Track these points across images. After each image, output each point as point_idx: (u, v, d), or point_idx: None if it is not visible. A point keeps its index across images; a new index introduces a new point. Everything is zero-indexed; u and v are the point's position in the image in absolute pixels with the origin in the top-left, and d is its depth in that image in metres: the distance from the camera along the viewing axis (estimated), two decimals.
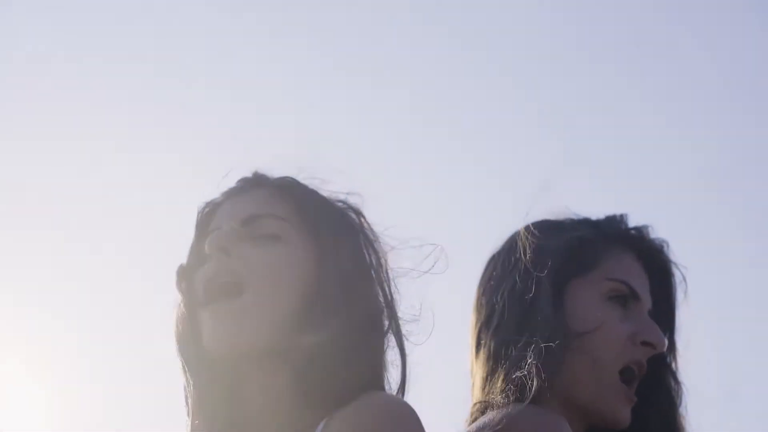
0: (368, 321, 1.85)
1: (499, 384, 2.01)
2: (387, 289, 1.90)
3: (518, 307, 2.06)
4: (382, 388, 1.83)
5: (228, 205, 1.97)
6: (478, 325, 2.14)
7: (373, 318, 1.86)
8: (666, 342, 2.11)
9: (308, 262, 1.86)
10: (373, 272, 1.90)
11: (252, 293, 1.82)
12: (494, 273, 2.15)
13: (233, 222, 1.89)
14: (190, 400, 1.89)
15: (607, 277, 2.10)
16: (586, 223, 2.20)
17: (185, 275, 1.92)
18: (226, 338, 1.80)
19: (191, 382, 1.87)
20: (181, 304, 1.92)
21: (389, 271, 1.92)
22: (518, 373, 1.95)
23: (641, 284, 2.14)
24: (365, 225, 1.95)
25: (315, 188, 1.98)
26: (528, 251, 2.08)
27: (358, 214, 1.96)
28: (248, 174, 2.03)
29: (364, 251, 1.91)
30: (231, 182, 2.05)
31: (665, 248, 2.21)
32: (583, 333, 2.01)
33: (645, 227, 2.20)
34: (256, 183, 1.99)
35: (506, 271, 2.12)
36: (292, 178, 1.98)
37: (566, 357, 1.99)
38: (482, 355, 2.09)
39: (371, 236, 1.94)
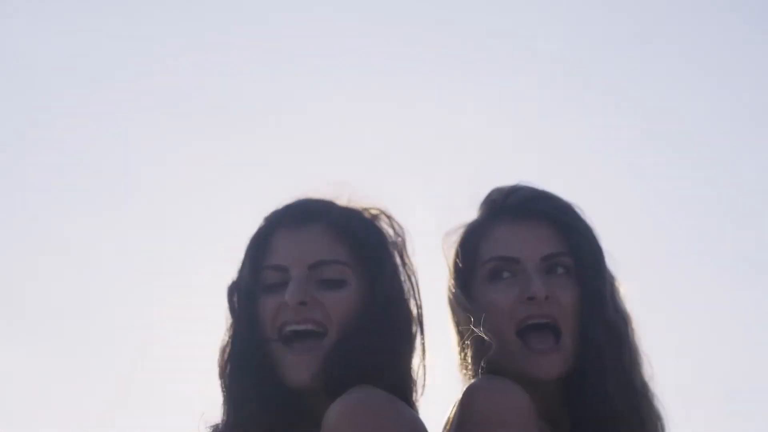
0: (396, 330, 2.17)
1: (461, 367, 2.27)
2: (416, 300, 2.22)
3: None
4: (387, 386, 2.05)
5: (287, 241, 2.22)
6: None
7: (402, 326, 2.18)
8: (541, 289, 2.15)
9: (363, 295, 2.19)
10: (406, 288, 2.22)
11: (332, 336, 2.15)
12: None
13: (302, 267, 2.18)
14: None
15: (482, 262, 2.24)
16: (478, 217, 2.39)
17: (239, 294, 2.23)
18: (307, 374, 2.13)
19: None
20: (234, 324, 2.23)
21: (418, 282, 2.24)
22: (462, 355, 2.24)
23: (517, 244, 2.22)
24: (403, 244, 2.27)
25: (359, 212, 2.26)
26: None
27: (397, 233, 2.27)
28: (298, 201, 2.28)
29: (402, 271, 2.23)
30: (278, 204, 2.29)
31: (531, 193, 2.27)
32: (485, 317, 2.19)
33: (513, 187, 2.29)
34: (310, 216, 2.23)
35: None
36: (341, 214, 2.24)
37: (487, 340, 2.19)
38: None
39: (407, 258, 2.26)
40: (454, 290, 2.26)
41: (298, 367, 2.15)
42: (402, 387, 2.14)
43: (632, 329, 2.24)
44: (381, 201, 2.30)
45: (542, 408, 2.13)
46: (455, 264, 2.27)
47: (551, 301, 2.17)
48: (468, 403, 2.03)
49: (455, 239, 2.30)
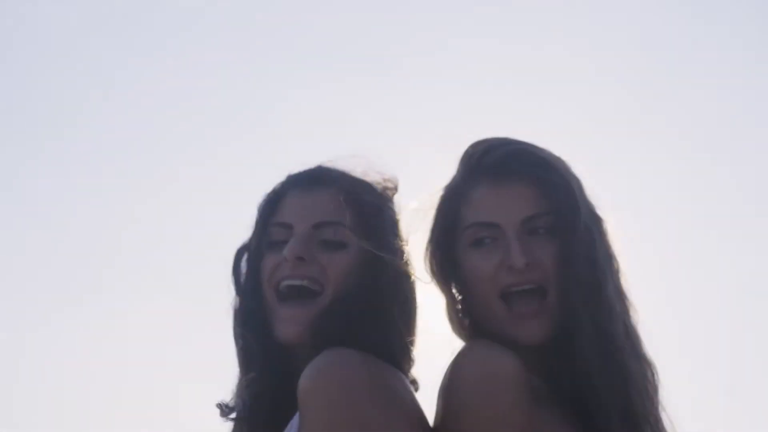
0: (391, 297, 2.21)
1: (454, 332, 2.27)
2: (406, 266, 2.25)
3: None
4: (375, 351, 2.09)
5: (296, 200, 2.29)
6: None
7: (397, 295, 2.22)
8: (520, 257, 2.11)
9: (362, 261, 2.23)
10: (405, 260, 2.25)
11: (327, 295, 2.21)
12: None
13: (306, 225, 2.24)
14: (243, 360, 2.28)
15: (463, 228, 2.20)
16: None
17: (249, 258, 2.29)
18: (297, 330, 2.19)
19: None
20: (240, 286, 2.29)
21: (409, 248, 2.26)
22: (452, 321, 2.25)
23: (497, 208, 2.17)
24: (398, 215, 2.31)
25: (366, 182, 2.32)
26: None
27: (395, 204, 2.33)
28: (313, 167, 2.35)
29: (397, 240, 2.26)
30: (293, 169, 2.36)
31: (510, 150, 2.20)
32: (468, 285, 2.20)
33: (490, 144, 2.22)
34: (321, 181, 2.30)
35: None
36: (352, 182, 2.30)
37: (474, 305, 2.21)
38: None
39: (399, 221, 2.30)
40: (434, 257, 2.23)
41: (289, 322, 2.20)
42: (392, 353, 2.16)
43: (616, 284, 2.18)
44: (395, 177, 2.36)
45: (537, 368, 2.12)
46: (436, 228, 2.24)
47: (532, 265, 2.13)
48: (453, 369, 2.03)
49: (435, 202, 2.25)
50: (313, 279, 2.22)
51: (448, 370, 2.04)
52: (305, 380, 1.97)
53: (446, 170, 2.28)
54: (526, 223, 2.15)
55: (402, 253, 2.26)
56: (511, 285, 2.13)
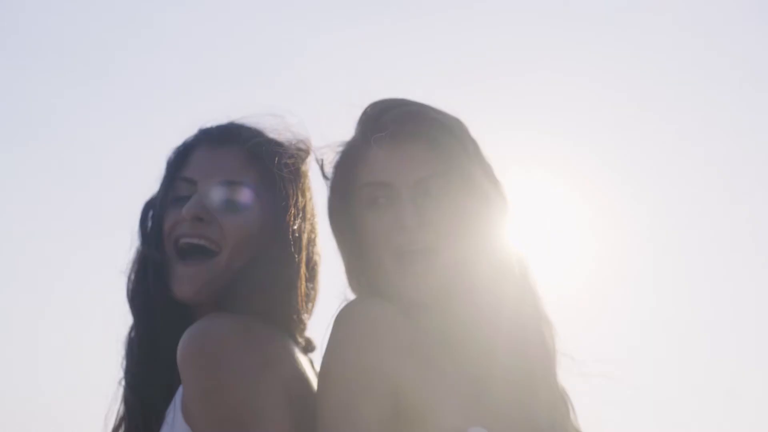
0: (285, 262, 2.21)
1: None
2: (310, 226, 2.27)
3: None
4: (264, 315, 2.13)
5: (203, 156, 2.27)
6: None
7: (288, 255, 2.22)
8: (411, 218, 2.13)
9: (263, 223, 2.24)
10: (301, 217, 2.26)
11: (224, 256, 2.21)
12: None
13: (209, 183, 2.23)
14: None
15: (359, 186, 2.21)
16: None
17: (153, 212, 2.29)
18: (192, 288, 2.20)
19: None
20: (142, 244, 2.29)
21: (314, 211, 2.29)
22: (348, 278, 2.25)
23: (391, 168, 2.17)
24: (306, 176, 2.30)
25: (277, 142, 2.29)
26: None
27: (303, 162, 2.31)
28: (224, 123, 2.32)
29: (302, 200, 2.26)
30: (204, 123, 2.33)
31: (407, 111, 2.20)
32: (363, 244, 2.22)
33: (388, 104, 2.21)
34: (230, 138, 2.29)
35: None
36: (262, 142, 2.28)
37: (369, 263, 2.21)
38: None
39: (308, 184, 2.30)
40: (332, 215, 2.24)
41: (185, 281, 2.19)
42: (282, 317, 2.18)
43: (505, 243, 2.18)
44: (309, 138, 2.33)
45: (431, 325, 2.14)
46: (334, 188, 2.24)
47: (424, 226, 2.14)
48: (332, 325, 2.07)
49: (333, 158, 2.25)
50: (210, 239, 2.21)
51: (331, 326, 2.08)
52: (179, 348, 2.00)
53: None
54: (420, 184, 2.15)
55: (305, 213, 2.26)
56: (403, 244, 2.14)
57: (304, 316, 2.24)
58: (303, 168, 2.30)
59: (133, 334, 2.26)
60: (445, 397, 2.07)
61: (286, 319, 2.19)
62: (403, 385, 2.04)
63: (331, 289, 2.26)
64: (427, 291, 2.14)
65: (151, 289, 2.23)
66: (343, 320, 2.06)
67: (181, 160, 2.29)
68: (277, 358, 2.09)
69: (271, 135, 2.31)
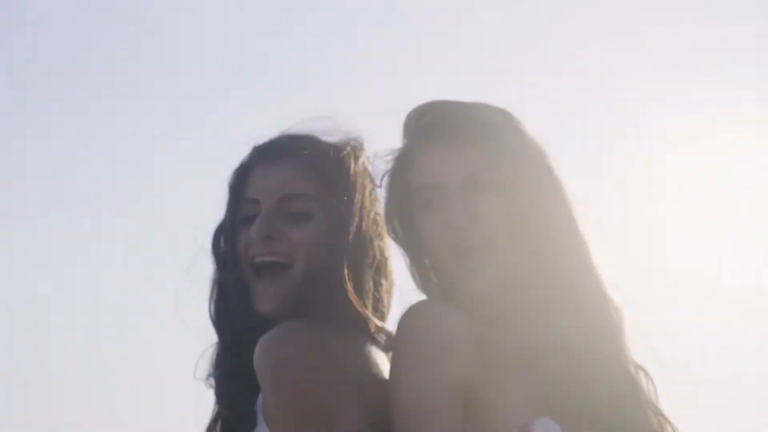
0: (356, 263, 2.27)
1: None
2: (374, 225, 2.32)
3: None
4: (316, 317, 2.18)
5: (261, 175, 2.34)
6: None
7: (361, 260, 2.28)
8: (459, 217, 2.17)
9: (329, 229, 2.29)
10: (364, 218, 2.31)
11: (298, 267, 2.27)
12: None
13: (272, 200, 2.29)
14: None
15: (413, 191, 2.26)
16: None
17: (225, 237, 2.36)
18: (274, 304, 2.26)
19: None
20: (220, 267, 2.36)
21: (376, 207, 2.33)
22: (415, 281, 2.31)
23: (438, 169, 2.20)
24: (364, 175, 2.35)
25: (329, 146, 2.34)
26: None
27: (357, 160, 2.35)
28: (275, 137, 2.38)
29: (363, 200, 2.32)
30: (258, 140, 2.39)
31: (446, 111, 2.25)
32: (424, 245, 2.27)
33: (426, 107, 2.26)
34: (283, 152, 2.34)
35: None
36: (315, 150, 2.33)
37: (433, 264, 2.27)
38: None
39: (374, 194, 2.34)
40: (391, 221, 2.29)
41: (265, 297, 2.27)
42: (355, 318, 2.23)
43: (567, 227, 2.21)
44: (361, 135, 2.38)
45: (495, 322, 2.17)
46: (390, 193, 2.29)
47: (476, 222, 2.17)
48: (396, 329, 2.13)
49: (385, 168, 2.31)
50: (282, 254, 2.28)
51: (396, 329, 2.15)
52: (254, 357, 2.07)
53: None
54: (467, 181, 2.19)
55: (366, 211, 2.31)
56: (457, 242, 2.18)
57: (377, 315, 2.28)
58: (358, 166, 2.34)
59: (220, 352, 2.34)
60: (512, 390, 2.11)
61: (358, 320, 2.24)
62: (471, 381, 2.08)
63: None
64: (487, 285, 2.18)
65: (234, 309, 2.31)
66: (406, 324, 2.12)
67: (241, 181, 2.37)
68: (350, 359, 2.14)
69: (324, 138, 2.37)
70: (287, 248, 2.27)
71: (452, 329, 2.08)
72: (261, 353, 2.06)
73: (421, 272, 2.27)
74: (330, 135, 2.37)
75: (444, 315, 2.10)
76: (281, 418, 2.05)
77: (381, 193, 2.30)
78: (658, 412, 2.18)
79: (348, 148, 2.35)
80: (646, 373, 2.20)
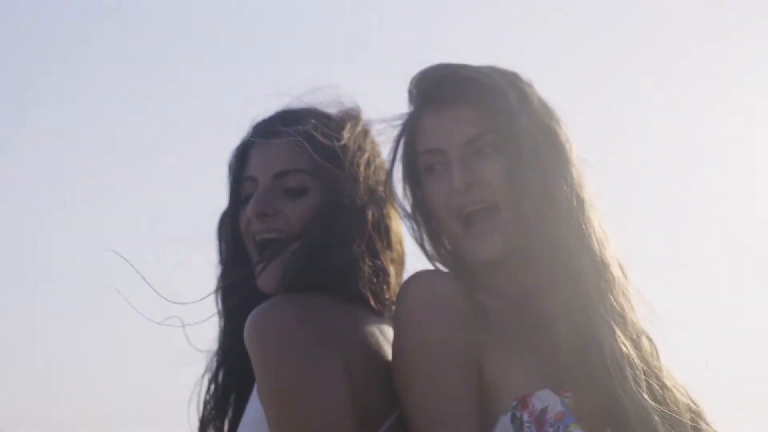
0: (350, 236, 2.24)
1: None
2: (373, 195, 2.29)
3: None
4: (307, 289, 2.17)
5: (258, 152, 2.33)
6: None
7: (356, 232, 2.25)
8: (460, 179, 2.14)
9: (325, 202, 2.27)
10: (362, 189, 2.29)
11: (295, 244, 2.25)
12: None
13: (268, 177, 2.29)
14: None
15: (417, 156, 2.24)
16: None
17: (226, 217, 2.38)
18: (275, 280, 2.24)
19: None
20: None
21: (378, 176, 2.31)
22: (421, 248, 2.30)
23: (440, 133, 2.18)
24: (362, 144, 2.32)
25: (325, 118, 2.32)
26: None
27: (354, 130, 2.33)
28: (272, 114, 2.37)
29: (362, 171, 2.29)
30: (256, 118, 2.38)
31: (446, 74, 2.21)
32: (429, 210, 2.25)
33: (426, 71, 2.23)
34: (279, 128, 2.32)
35: None
36: (310, 123, 2.30)
37: (439, 229, 2.26)
38: None
39: (371, 164, 2.31)
40: (390, 187, 2.28)
41: (266, 274, 2.26)
42: (354, 290, 2.21)
43: (571, 192, 2.16)
44: (358, 105, 2.37)
45: (504, 288, 2.16)
46: (397, 158, 2.27)
47: (477, 185, 2.14)
48: (396, 298, 2.12)
49: (391, 133, 2.28)
50: (279, 230, 2.27)
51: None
52: (247, 327, 2.07)
53: None
54: (470, 144, 2.16)
55: (367, 182, 2.29)
56: (461, 206, 2.15)
57: (380, 285, 2.26)
58: (355, 136, 2.33)
59: (225, 338, 2.36)
60: (513, 361, 2.08)
61: (358, 293, 2.22)
62: (472, 348, 2.06)
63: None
64: (494, 250, 2.15)
65: (240, 289, 2.29)
66: (405, 296, 2.10)
67: (241, 159, 2.37)
68: (338, 333, 2.11)
69: (321, 110, 2.36)
70: (284, 224, 2.27)
71: (443, 297, 2.06)
72: (247, 327, 2.06)
73: (432, 240, 2.25)
74: (330, 107, 2.36)
75: (437, 282, 2.09)
76: (263, 388, 2.04)
77: (385, 160, 2.28)
78: (660, 378, 2.14)
79: (346, 119, 2.34)
80: (650, 339, 2.16)
